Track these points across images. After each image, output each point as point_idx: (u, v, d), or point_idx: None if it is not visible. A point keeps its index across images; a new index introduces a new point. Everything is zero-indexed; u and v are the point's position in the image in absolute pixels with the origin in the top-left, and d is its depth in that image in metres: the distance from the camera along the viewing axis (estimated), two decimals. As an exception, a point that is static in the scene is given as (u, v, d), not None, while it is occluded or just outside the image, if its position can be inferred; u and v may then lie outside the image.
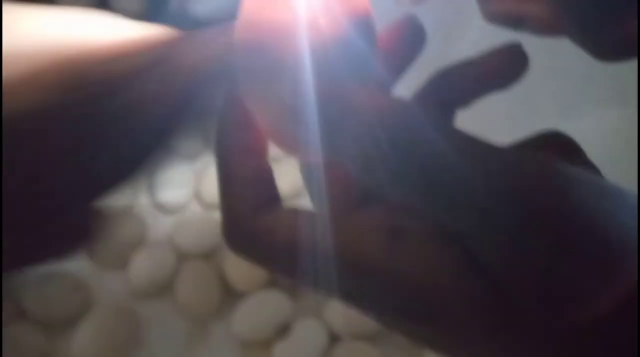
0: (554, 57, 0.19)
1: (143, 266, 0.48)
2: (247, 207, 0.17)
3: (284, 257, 0.17)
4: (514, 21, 0.20)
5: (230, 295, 0.49)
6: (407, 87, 0.21)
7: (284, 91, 0.17)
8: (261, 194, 0.18)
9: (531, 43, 0.20)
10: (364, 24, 0.17)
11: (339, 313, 0.48)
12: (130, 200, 0.51)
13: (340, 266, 0.16)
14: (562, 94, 0.39)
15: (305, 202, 0.20)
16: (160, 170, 0.52)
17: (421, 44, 0.21)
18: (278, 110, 0.17)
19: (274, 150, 0.19)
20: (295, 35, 0.16)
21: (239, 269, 0.49)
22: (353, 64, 0.17)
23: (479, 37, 0.22)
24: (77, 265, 0.48)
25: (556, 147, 0.18)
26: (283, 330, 0.47)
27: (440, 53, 0.22)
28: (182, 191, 0.52)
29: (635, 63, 0.34)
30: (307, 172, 0.20)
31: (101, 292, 0.48)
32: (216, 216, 0.52)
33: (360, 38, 0.17)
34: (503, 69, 0.20)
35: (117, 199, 0.49)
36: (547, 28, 0.20)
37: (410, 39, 0.20)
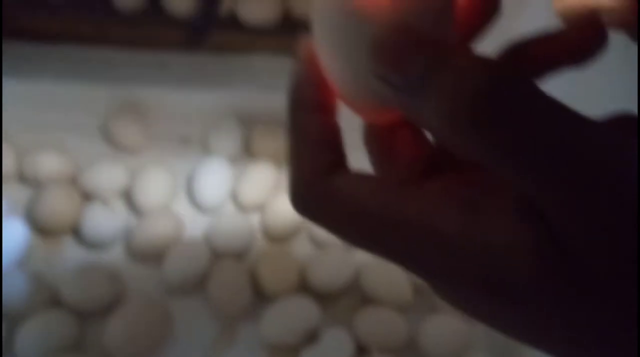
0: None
1: (177, 262, 0.49)
2: (314, 169, 0.17)
3: (350, 223, 0.16)
4: (589, 14, 0.19)
5: (260, 297, 0.49)
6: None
7: (357, 49, 0.17)
8: (328, 155, 0.17)
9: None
10: None
11: (368, 324, 0.48)
12: (168, 197, 0.52)
13: (409, 236, 0.15)
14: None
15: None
16: (201, 169, 0.53)
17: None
18: (349, 68, 0.17)
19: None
20: None
21: (271, 272, 0.49)
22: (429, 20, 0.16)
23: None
24: (113, 257, 0.50)
25: (632, 128, 0.17)
26: (311, 337, 0.47)
27: (505, 25, 0.21)
28: (220, 192, 0.53)
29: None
30: (368, 134, 0.19)
31: (135, 285, 0.49)
32: (251, 217, 0.53)
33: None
34: (581, 43, 0.18)
35: (157, 197, 0.50)
36: (618, 21, 0.19)
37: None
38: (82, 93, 0.54)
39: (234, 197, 0.53)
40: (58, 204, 0.49)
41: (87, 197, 0.51)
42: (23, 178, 0.51)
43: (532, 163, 0.13)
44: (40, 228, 0.49)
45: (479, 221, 0.15)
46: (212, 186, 0.53)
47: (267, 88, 0.57)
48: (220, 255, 0.50)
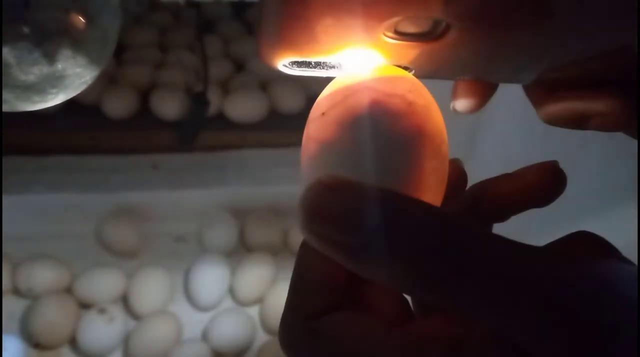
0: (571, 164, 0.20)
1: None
2: (307, 308, 0.17)
3: None
4: (577, 120, 0.20)
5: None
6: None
7: None
8: (324, 297, 0.17)
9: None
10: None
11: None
12: (166, 299, 0.52)
13: None
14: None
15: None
16: (197, 268, 0.53)
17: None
18: None
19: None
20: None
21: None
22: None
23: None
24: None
25: (588, 247, 0.17)
26: None
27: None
28: (217, 288, 0.52)
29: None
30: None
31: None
32: (250, 312, 0.52)
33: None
34: (541, 185, 0.19)
35: (154, 299, 0.50)
36: (612, 124, 0.20)
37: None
38: (76, 201, 0.55)
39: (232, 293, 0.53)
40: (54, 316, 0.48)
41: (84, 305, 0.50)
42: (17, 291, 0.51)
43: (506, 308, 0.14)
44: (37, 342, 0.48)
45: None
46: (210, 283, 0.52)
47: (258, 181, 0.58)
48: (222, 353, 0.49)
